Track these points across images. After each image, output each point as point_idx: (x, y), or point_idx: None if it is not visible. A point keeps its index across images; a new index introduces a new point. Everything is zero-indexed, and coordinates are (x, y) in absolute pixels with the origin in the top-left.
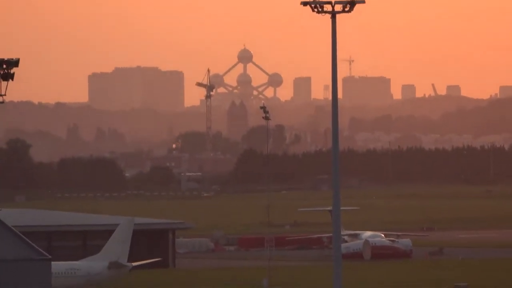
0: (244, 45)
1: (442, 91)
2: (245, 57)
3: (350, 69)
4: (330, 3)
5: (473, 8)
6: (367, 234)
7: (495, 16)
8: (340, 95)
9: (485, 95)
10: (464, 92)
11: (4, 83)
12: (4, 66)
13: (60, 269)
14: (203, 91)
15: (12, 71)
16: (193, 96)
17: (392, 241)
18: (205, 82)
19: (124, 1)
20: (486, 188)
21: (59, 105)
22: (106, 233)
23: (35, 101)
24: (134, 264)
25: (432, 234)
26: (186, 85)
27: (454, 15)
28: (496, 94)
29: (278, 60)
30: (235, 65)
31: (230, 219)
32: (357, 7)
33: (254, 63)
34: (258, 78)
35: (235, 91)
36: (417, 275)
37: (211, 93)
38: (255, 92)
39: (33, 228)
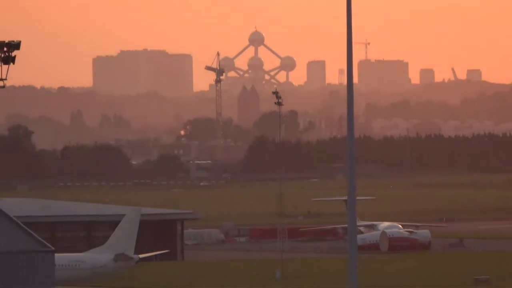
0: (255, 27)
1: (462, 75)
2: (256, 39)
3: (366, 52)
4: None
5: None
6: (384, 225)
7: None
8: (355, 79)
9: (507, 80)
10: (485, 77)
11: (5, 67)
12: (5, 49)
13: (64, 261)
14: (212, 75)
15: (13, 54)
16: (202, 81)
17: (410, 232)
18: (214, 66)
19: None
20: (508, 177)
21: (62, 89)
22: (111, 223)
23: (38, 85)
24: (141, 256)
25: (452, 225)
26: (194, 69)
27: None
28: None
29: (291, 43)
30: (246, 48)
31: (241, 209)
32: None
33: (266, 46)
34: (270, 62)
35: (246, 75)
36: (436, 267)
37: (221, 77)
38: (267, 77)
39: (35, 218)
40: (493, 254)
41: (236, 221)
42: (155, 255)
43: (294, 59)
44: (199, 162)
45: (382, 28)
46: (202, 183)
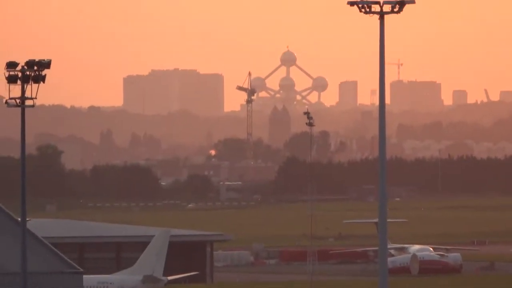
0: (287, 47)
1: (495, 96)
2: (288, 59)
3: (398, 73)
4: (378, 3)
5: None
6: (415, 247)
7: None
8: (387, 100)
9: None
10: None
11: (35, 86)
12: (36, 67)
13: (92, 283)
14: (243, 95)
15: (43, 73)
16: (233, 101)
17: (441, 255)
18: (246, 85)
19: (160, 0)
20: None
21: (92, 109)
22: (140, 245)
23: (67, 104)
24: (170, 278)
25: (483, 248)
26: (225, 88)
27: (507, 15)
28: None
29: (323, 63)
30: (278, 68)
31: (271, 231)
32: (407, 7)
33: (297, 66)
34: (301, 82)
35: (278, 95)
36: None
37: (252, 97)
38: (298, 97)
39: (64, 239)
40: None
41: (266, 243)
42: (184, 277)
43: (326, 79)
44: (229, 183)
45: (415, 48)
46: (232, 204)
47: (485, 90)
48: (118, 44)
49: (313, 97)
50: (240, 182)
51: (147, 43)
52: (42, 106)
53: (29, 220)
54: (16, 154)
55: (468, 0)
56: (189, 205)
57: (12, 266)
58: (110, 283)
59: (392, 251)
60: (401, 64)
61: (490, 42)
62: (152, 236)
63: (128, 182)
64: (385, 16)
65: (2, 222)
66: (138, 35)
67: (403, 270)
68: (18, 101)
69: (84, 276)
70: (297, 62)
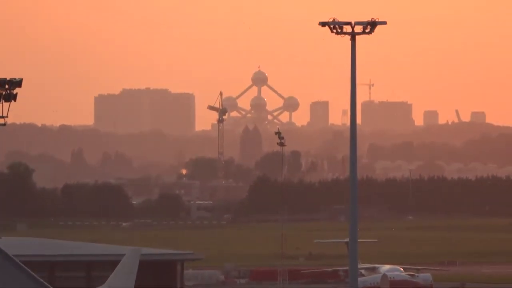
0: (259, 67)
1: (466, 117)
2: (259, 79)
3: (369, 93)
4: (349, 23)
5: (499, 32)
6: (386, 267)
7: None
8: (359, 120)
9: (511, 122)
10: (489, 119)
11: (6, 104)
12: (7, 86)
13: None
14: (215, 115)
15: (14, 92)
16: (204, 120)
17: (412, 275)
18: (217, 105)
19: (132, 19)
20: (511, 221)
21: (63, 127)
22: (111, 264)
23: (39, 123)
24: None
25: (454, 269)
26: (197, 108)
27: (479, 38)
28: None
29: (294, 83)
30: (249, 87)
31: (242, 250)
32: (378, 28)
33: (269, 86)
34: (273, 102)
35: (249, 115)
36: None
37: (224, 117)
38: (269, 117)
39: (35, 257)
40: None
41: (237, 262)
42: None
43: (297, 99)
44: (200, 202)
45: (386, 69)
46: (203, 223)
47: (456, 111)
48: (89, 63)
49: (284, 117)
50: (211, 202)
51: (118, 62)
52: (13, 124)
53: (0, 238)
54: None
55: (439, 22)
56: (124, 224)
57: None
58: None
59: (363, 271)
60: (372, 85)
61: (461, 63)
62: (123, 255)
63: (99, 201)
64: (357, 36)
65: None
66: (109, 54)
67: None
68: None
69: None
70: (269, 82)
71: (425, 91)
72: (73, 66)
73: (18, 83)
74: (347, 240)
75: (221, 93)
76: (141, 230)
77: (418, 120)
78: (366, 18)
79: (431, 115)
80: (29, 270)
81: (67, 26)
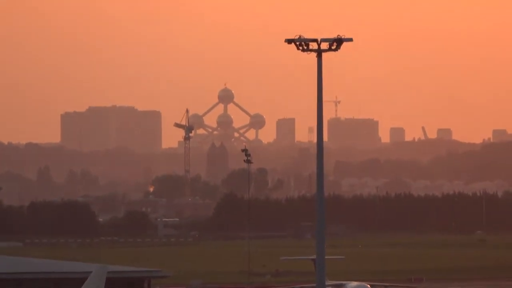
0: (225, 84)
1: (432, 134)
2: (226, 96)
3: (336, 110)
4: (316, 40)
5: (464, 49)
6: (353, 284)
7: (488, 57)
8: (325, 137)
9: (477, 139)
10: (455, 136)
11: None
12: None
13: None
14: (181, 132)
15: None
16: (170, 137)
17: None
18: (183, 122)
19: (97, 37)
20: (479, 237)
21: (29, 145)
22: (78, 281)
23: (5, 141)
24: None
25: (421, 285)
26: (163, 125)
27: (444, 55)
28: (489, 138)
29: (261, 100)
30: (216, 105)
31: (209, 267)
32: (344, 45)
33: (235, 103)
34: (239, 119)
35: (215, 132)
36: None
37: (190, 134)
38: (236, 134)
39: (2, 275)
40: None
41: (204, 279)
42: None
43: (264, 116)
44: (167, 219)
45: (352, 86)
46: (170, 240)
47: (423, 128)
48: (55, 80)
49: (250, 134)
50: (177, 219)
51: (84, 80)
52: None
53: None
54: None
55: (404, 39)
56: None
57: None
58: None
59: None
60: (339, 102)
61: (428, 80)
62: (90, 272)
63: (66, 219)
64: (323, 54)
65: None
66: (75, 71)
67: None
68: None
69: None
70: (235, 99)
71: (392, 108)
72: (39, 84)
73: None
74: (313, 257)
75: (187, 111)
76: (107, 247)
77: (385, 137)
78: (333, 35)
79: (397, 132)
80: None
81: (33, 41)
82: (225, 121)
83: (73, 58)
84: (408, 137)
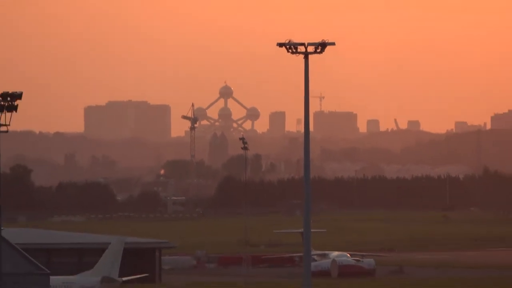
0: (225, 82)
1: (403, 125)
2: (226, 92)
3: (320, 105)
4: (303, 44)
5: (428, 51)
6: (335, 254)
7: (452, 58)
8: (311, 128)
9: (442, 130)
10: (423, 127)
11: (8, 114)
12: (9, 98)
13: (57, 283)
14: (187, 123)
15: (16, 103)
16: (179, 128)
17: (357, 260)
18: (189, 115)
19: (116, 40)
20: (443, 214)
21: (57, 134)
22: (99, 250)
23: (36, 130)
24: (124, 279)
25: (393, 255)
26: (172, 117)
27: (414, 56)
28: (452, 129)
29: (256, 96)
30: (217, 100)
31: (211, 239)
32: (328, 48)
33: (234, 98)
34: (237, 112)
35: (217, 123)
36: None
37: (195, 125)
38: (234, 125)
39: (33, 245)
40: (429, 281)
41: (207, 249)
42: (136, 278)
43: (259, 110)
44: (175, 198)
45: (335, 83)
46: (178, 216)
47: (395, 120)
48: (80, 78)
49: (247, 125)
50: (184, 197)
51: (104, 78)
52: (15, 131)
53: (3, 229)
54: None
55: (379, 44)
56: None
57: None
58: (73, 283)
59: (315, 257)
60: (323, 97)
61: (399, 79)
62: (109, 243)
63: (88, 197)
64: (309, 55)
65: None
66: (97, 70)
67: (324, 274)
68: None
69: (50, 277)
70: (234, 95)
71: (368, 103)
72: (66, 81)
73: (19, 95)
74: (301, 230)
75: (192, 105)
76: (124, 222)
77: (362, 127)
78: (318, 39)
79: (373, 123)
80: (29, 256)
81: (61, 47)
82: (225, 114)
83: (95, 59)
84: (382, 128)
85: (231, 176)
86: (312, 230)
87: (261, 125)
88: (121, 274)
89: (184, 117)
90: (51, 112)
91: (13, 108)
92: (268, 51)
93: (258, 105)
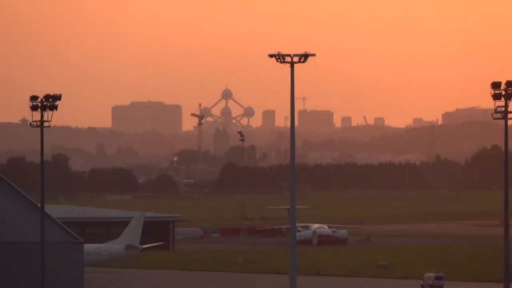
0: (226, 86)
1: (371, 121)
2: (227, 95)
3: (303, 104)
4: (289, 55)
5: (390, 60)
6: (315, 226)
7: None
8: (296, 123)
9: (402, 125)
10: (387, 122)
11: (50, 112)
12: (50, 100)
13: (90, 249)
14: (196, 120)
15: (56, 103)
16: (188, 123)
17: (333, 231)
18: (197, 113)
19: (139, 52)
20: (403, 193)
21: (90, 129)
22: (123, 223)
23: (73, 125)
24: (144, 246)
25: (362, 227)
26: (183, 115)
27: (378, 65)
28: (410, 124)
29: (251, 97)
30: (219, 100)
31: (215, 214)
32: (310, 58)
33: (233, 99)
34: (236, 111)
35: (219, 120)
36: (351, 257)
37: (202, 121)
38: (233, 121)
39: (70, 219)
40: (392, 248)
41: (212, 222)
42: (154, 246)
43: (253, 109)
44: (185, 180)
45: (315, 87)
46: (188, 195)
47: (364, 117)
48: (108, 83)
49: (244, 121)
50: (193, 180)
51: (128, 83)
52: (55, 126)
53: (46, 206)
54: (38, 160)
55: (350, 55)
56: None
57: (33, 237)
58: (102, 250)
59: (299, 228)
60: (305, 98)
61: (368, 82)
62: (132, 217)
63: (115, 180)
64: (295, 64)
65: (27, 207)
66: (123, 77)
67: (306, 242)
68: (38, 123)
69: (84, 245)
70: (233, 97)
71: (343, 103)
72: (97, 84)
73: (58, 97)
74: (288, 207)
75: (200, 105)
76: (144, 200)
77: (337, 123)
78: (302, 51)
79: (346, 119)
80: (67, 228)
81: (92, 54)
82: (226, 112)
83: (121, 67)
84: (354, 123)
85: (231, 163)
86: (297, 207)
87: (255, 121)
88: (142, 242)
89: (193, 115)
90: (85, 110)
91: (54, 108)
92: (261, 61)
93: (253, 105)
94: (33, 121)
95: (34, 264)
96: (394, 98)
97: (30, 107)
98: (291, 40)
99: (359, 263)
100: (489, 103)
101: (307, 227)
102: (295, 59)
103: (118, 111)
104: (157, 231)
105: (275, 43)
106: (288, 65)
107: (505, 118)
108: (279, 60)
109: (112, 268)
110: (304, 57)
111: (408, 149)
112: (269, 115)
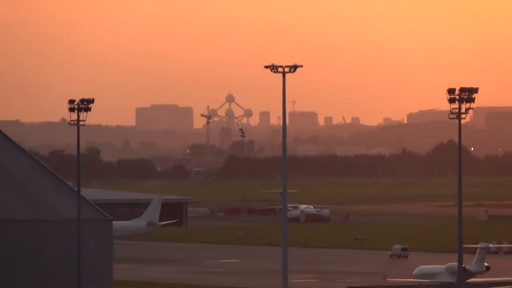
0: (229, 91)
1: (348, 120)
2: (230, 98)
3: (293, 106)
4: (282, 66)
5: (364, 67)
6: (303, 206)
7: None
8: (287, 122)
9: (374, 123)
10: (362, 121)
11: (84, 113)
12: (85, 102)
13: (118, 226)
14: (204, 119)
15: (89, 106)
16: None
17: (318, 210)
18: (206, 114)
19: (157, 61)
20: (374, 179)
21: (117, 127)
22: (146, 204)
23: (103, 124)
24: (162, 223)
25: (342, 207)
26: (194, 115)
27: (354, 72)
28: (381, 123)
29: (251, 100)
30: (224, 103)
31: (221, 197)
32: (298, 69)
33: (235, 103)
34: (238, 112)
35: (224, 119)
36: (333, 232)
37: (210, 120)
38: (236, 121)
39: (101, 201)
40: (367, 225)
41: (218, 203)
42: (170, 223)
43: (252, 110)
44: (196, 169)
45: (303, 90)
46: (198, 181)
47: (343, 117)
48: (132, 87)
49: (244, 121)
50: (203, 169)
51: (150, 88)
52: (89, 125)
53: (82, 190)
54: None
55: (332, 65)
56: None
57: (70, 214)
58: (128, 226)
59: (290, 208)
60: (295, 102)
61: (346, 88)
62: (152, 199)
63: (138, 169)
64: (286, 74)
65: (66, 191)
66: (144, 82)
67: (295, 220)
68: (75, 122)
69: (113, 222)
70: (235, 100)
71: (325, 105)
72: (123, 89)
73: (91, 101)
74: (281, 190)
75: (208, 107)
76: (162, 186)
77: (321, 122)
78: (292, 62)
79: (328, 119)
80: (98, 207)
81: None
82: (229, 113)
83: (143, 74)
84: (335, 122)
85: (234, 155)
86: (288, 191)
87: (254, 121)
88: (160, 220)
89: (202, 115)
90: (114, 111)
91: (87, 109)
92: (258, 71)
93: (252, 107)
94: (70, 120)
95: (71, 238)
96: (367, 101)
97: (68, 109)
98: (283, 53)
99: (340, 237)
100: (446, 106)
101: (296, 207)
102: (286, 69)
103: (140, 112)
104: (173, 210)
105: (270, 56)
106: (281, 74)
107: (458, 118)
108: (273, 70)
109: (136, 242)
110: (294, 68)
111: (379, 143)
112: (265, 115)
